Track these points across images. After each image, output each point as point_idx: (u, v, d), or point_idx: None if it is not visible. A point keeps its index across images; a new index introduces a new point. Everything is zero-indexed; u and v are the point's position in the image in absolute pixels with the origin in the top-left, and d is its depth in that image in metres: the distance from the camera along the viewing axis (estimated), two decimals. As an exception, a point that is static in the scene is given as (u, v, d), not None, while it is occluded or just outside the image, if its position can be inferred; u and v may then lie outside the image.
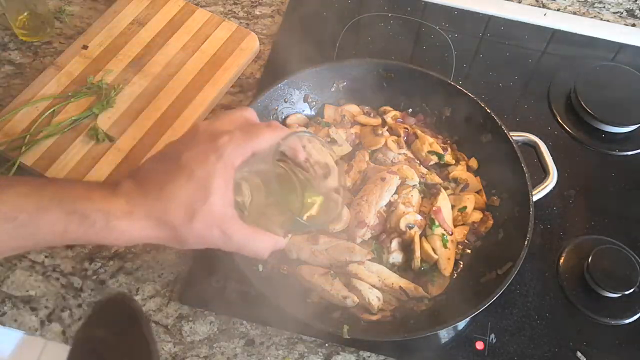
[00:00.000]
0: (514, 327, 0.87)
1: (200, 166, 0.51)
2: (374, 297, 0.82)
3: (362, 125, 0.99)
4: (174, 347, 0.83)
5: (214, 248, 0.55)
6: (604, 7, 1.24)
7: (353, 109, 1.00)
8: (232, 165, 0.53)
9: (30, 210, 0.47)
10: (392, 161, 0.94)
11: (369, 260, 0.85)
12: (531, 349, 0.86)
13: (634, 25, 1.23)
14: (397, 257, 0.86)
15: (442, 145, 0.97)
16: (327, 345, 0.85)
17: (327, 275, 0.83)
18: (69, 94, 1.01)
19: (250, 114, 0.59)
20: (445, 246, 0.86)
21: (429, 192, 0.92)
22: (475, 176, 0.95)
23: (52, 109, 0.98)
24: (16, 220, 0.47)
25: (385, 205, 0.88)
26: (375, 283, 0.83)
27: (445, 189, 0.93)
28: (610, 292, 0.89)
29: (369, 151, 0.95)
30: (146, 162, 0.55)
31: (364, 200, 0.87)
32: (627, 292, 0.88)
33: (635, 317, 0.89)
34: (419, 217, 0.88)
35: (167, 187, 0.51)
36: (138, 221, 0.50)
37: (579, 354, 0.86)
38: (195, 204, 0.51)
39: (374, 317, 0.82)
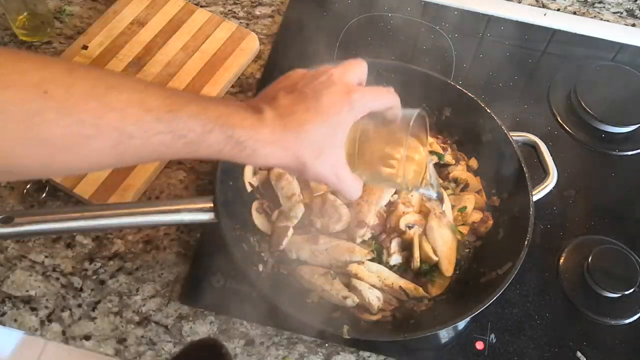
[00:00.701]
0: (514, 327, 0.87)
1: (335, 114, 0.58)
2: (374, 297, 0.82)
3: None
4: (174, 347, 0.83)
5: (322, 183, 0.63)
6: (604, 7, 1.24)
7: None
8: (356, 119, 0.60)
9: (198, 131, 0.53)
10: None
11: (369, 260, 0.85)
12: (531, 349, 0.86)
13: (634, 25, 1.23)
14: (397, 258, 0.86)
15: (442, 145, 0.97)
16: (327, 345, 0.85)
17: (327, 275, 0.83)
18: (69, 94, 1.01)
19: (366, 68, 0.65)
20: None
21: None
22: (475, 176, 0.95)
23: (52, 109, 0.98)
24: (186, 138, 0.53)
25: (385, 205, 0.89)
26: (375, 283, 0.83)
27: (445, 189, 0.93)
28: (610, 292, 0.89)
29: (369, 151, 0.95)
30: (280, 93, 0.60)
31: (363, 201, 0.87)
32: (627, 292, 0.88)
33: (635, 317, 0.89)
34: (418, 217, 0.88)
35: (305, 126, 0.57)
36: (277, 151, 0.57)
37: (579, 354, 0.86)
38: (324, 146, 0.58)
39: (374, 317, 0.82)
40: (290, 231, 0.85)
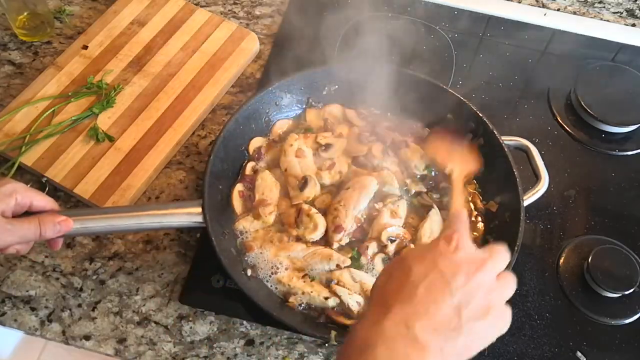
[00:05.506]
0: (514, 327, 0.86)
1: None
2: (354, 303, 0.81)
3: (350, 126, 0.98)
4: (174, 347, 0.83)
5: None
6: (604, 7, 1.24)
7: (335, 110, 1.00)
8: None
9: None
10: (374, 166, 0.93)
11: (350, 266, 0.84)
12: (531, 349, 0.86)
13: (634, 25, 1.23)
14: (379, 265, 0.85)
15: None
16: (327, 345, 0.85)
17: (305, 278, 0.83)
18: (69, 94, 1.01)
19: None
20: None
21: (420, 207, 0.91)
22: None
23: (52, 109, 0.98)
24: None
25: (365, 211, 0.88)
26: (357, 291, 0.82)
27: (432, 199, 0.91)
28: (610, 292, 0.89)
29: (352, 155, 0.94)
30: (425, 329, 0.54)
31: (341, 205, 0.86)
32: (627, 292, 0.88)
33: (635, 317, 0.89)
34: (402, 231, 0.87)
35: None
36: None
37: (579, 354, 0.86)
38: None
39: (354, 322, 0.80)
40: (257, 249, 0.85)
